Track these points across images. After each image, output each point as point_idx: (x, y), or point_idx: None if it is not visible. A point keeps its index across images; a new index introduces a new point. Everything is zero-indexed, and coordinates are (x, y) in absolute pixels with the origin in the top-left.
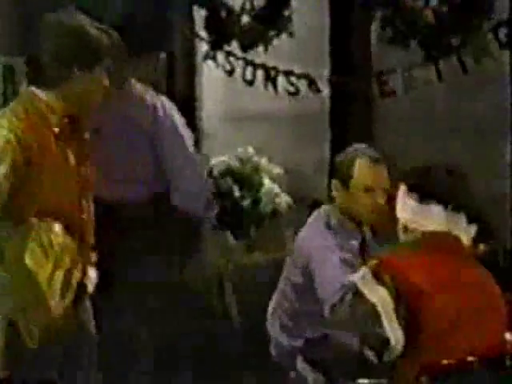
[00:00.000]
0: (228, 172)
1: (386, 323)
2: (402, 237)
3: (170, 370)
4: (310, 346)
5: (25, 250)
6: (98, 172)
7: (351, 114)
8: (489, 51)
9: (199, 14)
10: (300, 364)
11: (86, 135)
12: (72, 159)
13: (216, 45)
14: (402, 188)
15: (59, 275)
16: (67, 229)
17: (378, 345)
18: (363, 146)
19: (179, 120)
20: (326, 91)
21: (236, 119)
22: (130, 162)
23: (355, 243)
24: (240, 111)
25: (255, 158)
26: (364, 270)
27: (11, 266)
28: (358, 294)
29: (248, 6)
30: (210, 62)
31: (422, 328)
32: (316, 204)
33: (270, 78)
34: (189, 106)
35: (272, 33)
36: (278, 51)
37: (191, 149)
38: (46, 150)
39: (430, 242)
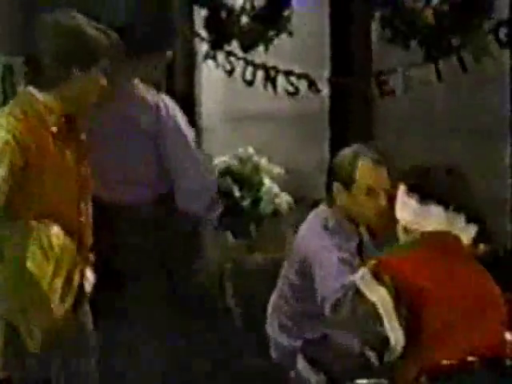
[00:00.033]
0: (228, 172)
1: (386, 323)
2: (401, 237)
3: (169, 368)
4: (310, 346)
5: (25, 252)
6: (102, 173)
7: (351, 113)
8: (489, 51)
9: (199, 13)
10: (300, 364)
11: (83, 136)
12: (70, 159)
13: (216, 45)
14: (402, 188)
15: (60, 277)
16: (65, 230)
17: (378, 345)
18: (362, 146)
19: (182, 119)
20: (325, 91)
21: (236, 119)
22: (133, 162)
23: (353, 244)
24: (240, 111)
25: (255, 158)
26: (364, 270)
27: (11, 268)
28: (358, 293)
29: (248, 5)
30: (210, 62)
31: (422, 328)
32: (316, 205)
33: (270, 78)
34: (188, 106)
35: (272, 33)
36: (278, 51)
37: (194, 148)
38: (45, 150)
39: (430, 241)
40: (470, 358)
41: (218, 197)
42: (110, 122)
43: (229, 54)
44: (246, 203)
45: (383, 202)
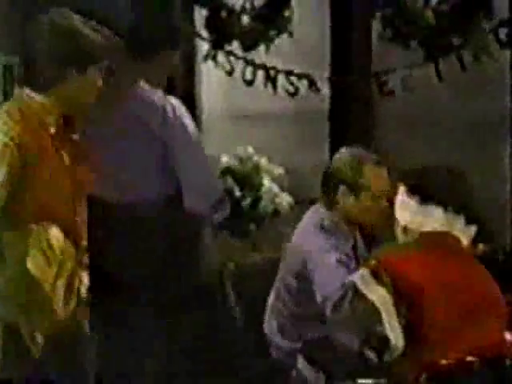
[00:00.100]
0: (228, 172)
1: (385, 322)
2: (401, 237)
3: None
4: (309, 346)
5: (26, 255)
6: (107, 173)
7: (351, 113)
8: (489, 51)
9: (200, 13)
10: (300, 363)
11: (75, 137)
12: (67, 160)
13: (217, 44)
14: (402, 188)
15: (62, 280)
16: (62, 231)
17: (377, 344)
18: (360, 149)
19: (189, 121)
20: (325, 91)
21: (236, 119)
22: (139, 163)
23: (349, 245)
24: (240, 111)
25: (255, 158)
26: (363, 270)
27: (12, 271)
28: (357, 293)
29: (248, 5)
30: (210, 62)
31: (422, 328)
32: (313, 203)
33: (270, 78)
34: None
35: (272, 33)
36: (278, 51)
37: (201, 149)
38: (43, 152)
39: (429, 241)
40: (470, 358)
41: (226, 198)
42: (115, 123)
43: (229, 53)
44: (246, 203)
45: (384, 203)
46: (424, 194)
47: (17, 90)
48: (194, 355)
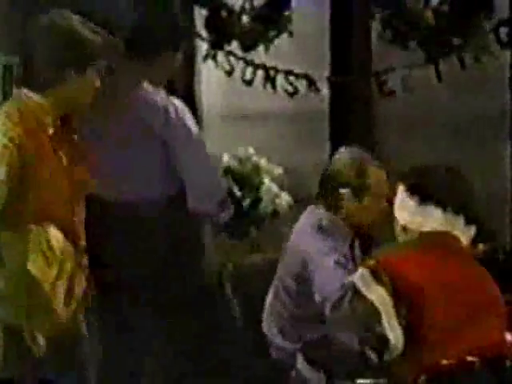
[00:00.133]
0: (228, 172)
1: (385, 322)
2: (400, 237)
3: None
4: (309, 346)
5: (26, 256)
6: (109, 173)
7: (351, 113)
8: (489, 51)
9: (200, 13)
10: (300, 363)
11: (74, 137)
12: (65, 161)
13: (216, 44)
14: (401, 188)
15: (63, 281)
16: (61, 232)
17: (377, 344)
18: (358, 150)
19: (191, 121)
20: (325, 91)
21: (236, 119)
22: (141, 163)
23: (347, 245)
24: (240, 111)
25: (255, 158)
26: (363, 270)
27: (12, 272)
28: (357, 293)
29: (248, 5)
30: (209, 62)
31: (422, 328)
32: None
33: (270, 78)
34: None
35: (272, 33)
36: (278, 51)
37: (204, 150)
38: (42, 152)
39: (429, 241)
40: (470, 358)
41: (228, 198)
42: (117, 123)
43: (228, 53)
44: (245, 203)
45: (383, 203)
46: (423, 193)
47: (15, 90)
48: (193, 355)
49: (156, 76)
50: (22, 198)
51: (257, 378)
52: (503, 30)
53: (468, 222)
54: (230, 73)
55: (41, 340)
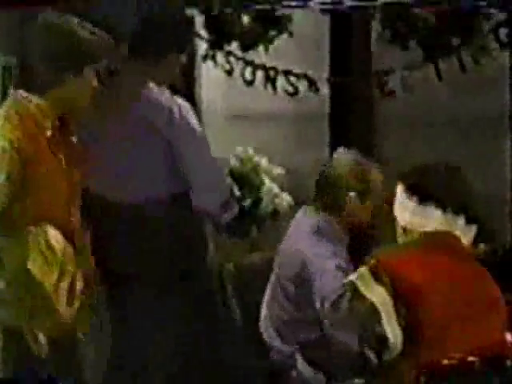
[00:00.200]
0: (228, 172)
1: (385, 322)
2: (400, 237)
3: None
4: (309, 346)
5: (26, 257)
6: (113, 173)
7: (351, 114)
8: (489, 51)
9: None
10: (300, 364)
11: (74, 138)
12: (63, 163)
13: (216, 45)
14: (401, 188)
15: (65, 282)
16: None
17: (377, 344)
18: (356, 153)
19: (195, 121)
20: (325, 91)
21: (236, 119)
22: (146, 163)
23: (344, 247)
24: (240, 111)
25: (255, 158)
26: (362, 270)
27: (12, 274)
28: (356, 293)
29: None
30: (209, 62)
31: (422, 328)
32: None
33: (270, 79)
34: None
35: (272, 33)
36: (278, 51)
37: (208, 149)
38: (41, 155)
39: (429, 241)
40: (470, 358)
41: (232, 199)
42: (122, 123)
43: (228, 54)
44: (246, 203)
45: (381, 202)
46: (423, 193)
47: (13, 92)
48: (193, 355)
49: (161, 77)
50: (21, 201)
51: (257, 378)
52: (503, 31)
53: (468, 221)
54: (229, 73)
55: (43, 341)
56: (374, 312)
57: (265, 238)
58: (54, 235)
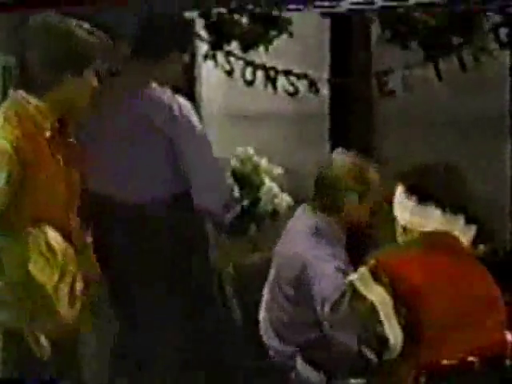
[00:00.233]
0: (231, 172)
1: (384, 322)
2: (400, 237)
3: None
4: (309, 346)
5: (27, 259)
6: (114, 172)
7: (351, 114)
8: (489, 51)
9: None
10: (300, 364)
11: (72, 139)
12: (62, 163)
13: (216, 45)
14: (400, 189)
15: (66, 283)
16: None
17: (377, 344)
18: (355, 154)
19: (196, 120)
20: (325, 91)
21: (236, 119)
22: (148, 162)
23: (343, 247)
24: (240, 111)
25: (255, 158)
26: (362, 270)
27: (12, 276)
28: (356, 293)
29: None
30: (209, 62)
31: (422, 327)
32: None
33: (270, 79)
34: None
35: (272, 33)
36: (278, 51)
37: (209, 148)
38: (40, 156)
39: (429, 241)
40: (470, 358)
41: (236, 198)
42: (124, 123)
43: (229, 54)
44: (246, 203)
45: (379, 200)
46: (423, 193)
47: (12, 92)
48: (193, 355)
49: (163, 76)
50: (20, 202)
51: (257, 378)
52: (503, 31)
53: (467, 221)
54: (230, 73)
55: (45, 343)
56: (373, 312)
57: (264, 238)
58: (54, 236)
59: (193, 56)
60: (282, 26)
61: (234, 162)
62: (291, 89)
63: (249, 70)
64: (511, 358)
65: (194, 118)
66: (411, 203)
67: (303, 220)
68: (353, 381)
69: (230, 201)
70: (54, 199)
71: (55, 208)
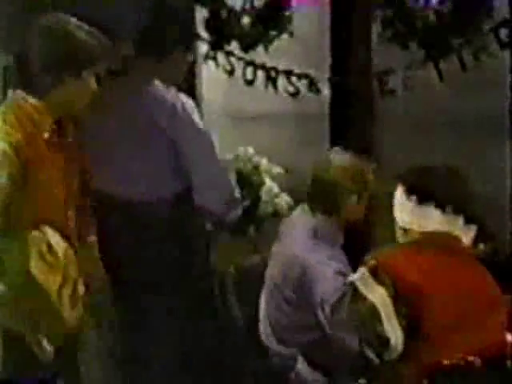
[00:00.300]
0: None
1: (385, 322)
2: (401, 238)
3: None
4: (309, 347)
5: (27, 261)
6: (116, 171)
7: (351, 114)
8: (489, 51)
9: (200, 13)
10: (300, 364)
11: (70, 139)
12: (60, 165)
13: (216, 45)
14: (400, 189)
15: (68, 286)
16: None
17: (377, 344)
18: (353, 155)
19: (199, 119)
20: (326, 91)
21: (236, 119)
22: (148, 159)
23: (342, 252)
24: (240, 111)
25: (255, 158)
26: (362, 270)
27: (12, 277)
28: (356, 293)
29: (248, 6)
30: (210, 62)
31: (422, 328)
32: None
33: (271, 78)
34: None
35: (272, 33)
36: (278, 51)
37: (211, 148)
38: (39, 157)
39: (430, 242)
40: (471, 358)
41: (239, 198)
42: (127, 121)
43: (229, 54)
44: (246, 203)
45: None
46: (422, 194)
47: (12, 93)
48: (193, 355)
49: (166, 75)
50: (21, 202)
51: (257, 378)
52: (503, 31)
53: (468, 222)
54: (230, 73)
55: (47, 345)
56: (374, 312)
57: (265, 239)
58: (55, 237)
59: (193, 56)
60: (282, 25)
61: (234, 162)
62: (292, 89)
63: (249, 70)
64: (511, 358)
65: (196, 117)
66: (411, 203)
67: (302, 222)
68: (353, 381)
69: (231, 201)
70: (54, 200)
71: (54, 209)
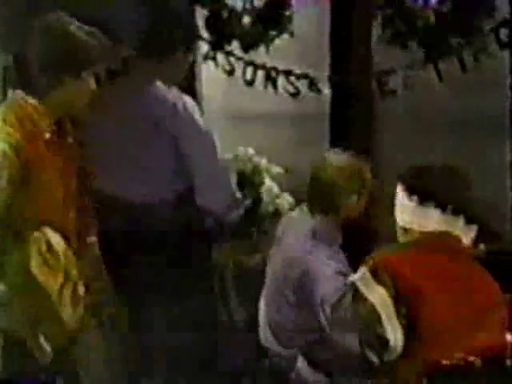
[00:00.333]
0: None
1: (385, 323)
2: (401, 238)
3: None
4: (309, 347)
5: (28, 262)
6: (117, 171)
7: (351, 113)
8: (489, 51)
9: (200, 13)
10: (300, 364)
11: (70, 140)
12: (59, 165)
13: (216, 45)
14: (400, 189)
15: (68, 287)
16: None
17: (377, 344)
18: (352, 155)
19: (199, 119)
20: (326, 91)
21: (236, 119)
22: (150, 159)
23: (341, 252)
24: (240, 111)
25: (255, 158)
26: (363, 270)
27: (13, 278)
28: (357, 293)
29: (249, 6)
30: (210, 62)
31: (422, 328)
32: None
33: (271, 79)
34: None
35: (273, 33)
36: (279, 51)
37: (213, 148)
38: (39, 157)
39: (430, 242)
40: (470, 358)
41: (240, 198)
42: (127, 121)
43: (229, 54)
44: (246, 203)
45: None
46: (423, 194)
47: (11, 94)
48: (193, 355)
49: (168, 75)
50: (21, 203)
51: (257, 378)
52: (503, 31)
53: (468, 222)
54: (230, 73)
55: (47, 346)
56: (374, 313)
57: (266, 238)
58: (55, 238)
59: (193, 56)
60: (282, 25)
61: (234, 162)
62: (292, 89)
63: (249, 70)
64: (511, 359)
65: (198, 116)
66: (411, 204)
67: (301, 223)
68: (354, 381)
69: (233, 201)
70: (54, 201)
71: (54, 209)
